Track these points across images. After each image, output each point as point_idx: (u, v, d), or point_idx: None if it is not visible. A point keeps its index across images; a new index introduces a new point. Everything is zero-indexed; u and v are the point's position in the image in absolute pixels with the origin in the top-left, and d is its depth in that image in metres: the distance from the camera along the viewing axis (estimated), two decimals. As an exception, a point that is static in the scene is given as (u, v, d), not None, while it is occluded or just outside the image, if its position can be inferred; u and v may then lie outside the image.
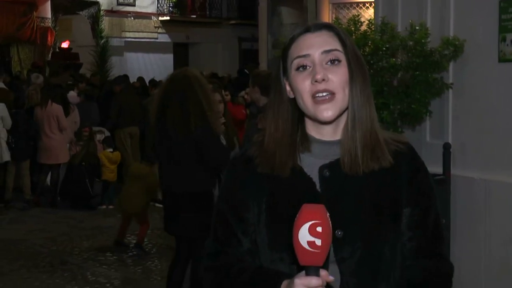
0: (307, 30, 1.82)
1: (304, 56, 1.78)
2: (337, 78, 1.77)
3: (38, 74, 13.59)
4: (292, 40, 1.83)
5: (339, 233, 1.76)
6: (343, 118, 1.83)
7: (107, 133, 11.02)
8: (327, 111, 1.77)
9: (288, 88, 1.84)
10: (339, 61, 1.79)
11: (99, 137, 10.77)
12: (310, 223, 1.57)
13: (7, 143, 9.68)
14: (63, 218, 9.46)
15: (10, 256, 7.49)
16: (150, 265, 7.23)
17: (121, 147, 11.03)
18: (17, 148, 9.81)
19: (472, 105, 5.19)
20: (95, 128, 10.97)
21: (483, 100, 5.12)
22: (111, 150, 10.31)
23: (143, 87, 14.16)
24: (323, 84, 1.76)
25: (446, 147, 5.19)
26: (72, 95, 11.16)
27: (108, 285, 6.59)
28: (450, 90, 5.26)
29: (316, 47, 1.78)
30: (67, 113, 10.31)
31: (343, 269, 1.78)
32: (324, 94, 1.76)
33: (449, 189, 5.18)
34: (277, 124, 1.84)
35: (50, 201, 10.16)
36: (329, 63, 1.78)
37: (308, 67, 1.78)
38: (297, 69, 1.79)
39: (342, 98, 1.78)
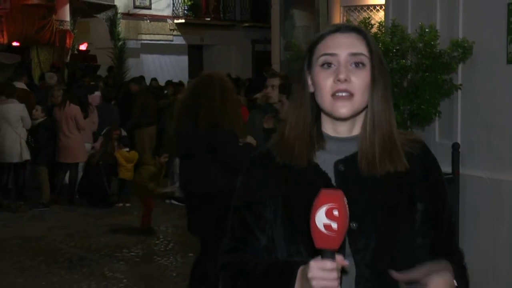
0: (337, 29, 1.83)
1: (331, 54, 1.79)
2: (359, 81, 1.78)
3: (52, 74, 13.65)
4: (322, 37, 1.84)
5: (354, 225, 1.76)
6: (359, 118, 1.84)
7: (124, 133, 11.06)
8: (343, 108, 1.78)
9: (309, 82, 1.85)
10: (363, 64, 1.79)
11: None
12: (327, 206, 1.56)
13: (27, 142, 9.75)
14: (81, 215, 9.51)
15: (30, 252, 7.54)
16: (166, 261, 7.25)
17: (141, 147, 11.08)
18: (36, 151, 9.91)
19: (481, 106, 5.17)
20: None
21: (491, 101, 5.10)
22: (127, 149, 10.35)
23: (158, 88, 14.21)
24: (344, 84, 1.77)
25: (455, 147, 5.17)
26: (97, 95, 11.19)
27: (125, 280, 6.61)
28: (459, 91, 5.24)
29: (343, 47, 1.79)
30: (85, 114, 10.36)
31: (358, 260, 1.78)
32: (344, 94, 1.77)
33: (458, 188, 5.16)
34: (299, 116, 1.85)
35: (68, 199, 10.21)
36: (353, 65, 1.79)
37: (333, 66, 1.79)
38: (322, 65, 1.80)
39: (360, 100, 1.79)
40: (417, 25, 5.26)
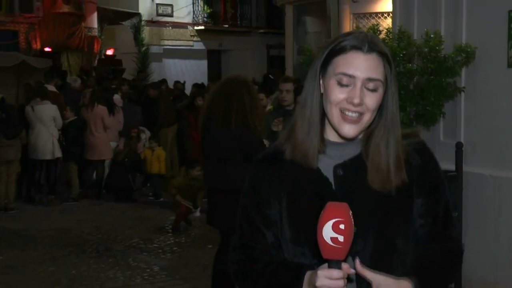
0: (360, 48, 1.72)
1: (349, 76, 1.71)
2: (371, 103, 1.72)
3: (76, 78, 13.72)
4: (343, 50, 1.73)
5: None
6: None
7: (148, 132, 11.11)
8: (351, 131, 1.74)
9: (321, 82, 1.78)
10: (377, 89, 1.73)
11: (142, 135, 10.86)
12: (334, 220, 1.54)
13: (58, 141, 9.81)
14: (108, 209, 9.54)
15: (61, 243, 7.58)
16: (186, 252, 7.26)
17: (165, 144, 11.13)
18: (67, 149, 9.99)
19: (483, 107, 5.14)
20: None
21: (493, 102, 5.07)
22: (157, 145, 10.44)
23: (181, 90, 14.23)
24: (357, 108, 1.72)
25: (459, 146, 5.14)
26: (117, 98, 11.26)
27: (148, 270, 6.62)
28: (462, 94, 5.22)
29: (362, 71, 1.71)
30: (112, 113, 10.40)
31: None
32: (355, 114, 1.73)
33: (461, 185, 5.13)
34: (311, 115, 1.79)
35: (96, 194, 10.27)
36: (367, 89, 1.72)
37: (349, 86, 1.72)
38: (338, 82, 1.73)
39: (368, 119, 1.74)
40: (422, 31, 5.25)
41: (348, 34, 1.78)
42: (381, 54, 1.74)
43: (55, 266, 6.71)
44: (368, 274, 1.65)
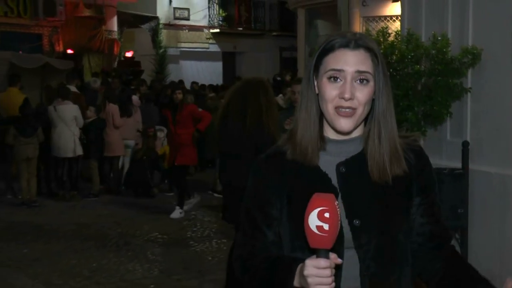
0: (347, 45, 1.74)
1: (338, 70, 1.73)
2: (362, 97, 1.73)
3: (96, 79, 13.77)
4: (331, 49, 1.76)
5: (356, 222, 1.74)
6: (359, 122, 1.80)
7: (166, 131, 11.14)
8: (346, 124, 1.74)
9: (315, 84, 1.80)
10: (367, 81, 1.74)
11: (160, 134, 10.90)
12: (319, 209, 1.54)
13: (79, 139, 9.87)
14: (127, 205, 9.58)
15: (82, 237, 7.63)
16: (202, 246, 7.28)
17: None
18: (88, 147, 10.06)
19: (489, 107, 5.11)
20: (156, 127, 11.10)
21: (498, 102, 5.04)
22: None
23: (198, 90, 14.27)
24: (348, 102, 1.72)
25: (465, 144, 5.12)
26: (135, 98, 11.30)
27: (165, 263, 6.65)
28: (469, 94, 5.19)
29: (351, 65, 1.72)
30: (129, 113, 10.43)
31: (361, 254, 1.74)
32: (347, 109, 1.73)
33: (467, 182, 5.11)
34: (308, 115, 1.80)
35: (115, 189, 10.32)
36: (358, 81, 1.73)
37: (339, 80, 1.73)
38: (329, 78, 1.75)
39: (361, 112, 1.75)
40: (430, 34, 5.22)
41: (337, 34, 1.79)
42: (368, 49, 1.76)
43: (76, 258, 6.76)
44: None
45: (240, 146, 4.81)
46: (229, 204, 5.04)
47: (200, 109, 9.47)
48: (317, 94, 1.79)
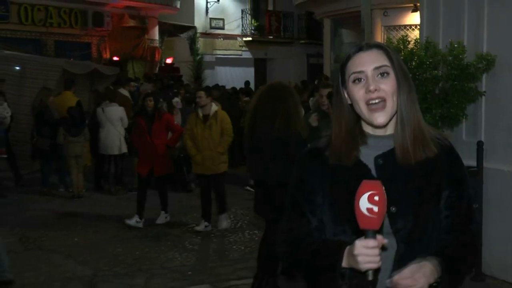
0: (360, 49, 1.80)
1: (359, 72, 1.77)
2: (387, 87, 1.76)
3: (146, 84, 13.91)
4: (349, 58, 1.81)
5: (393, 209, 1.75)
6: (392, 120, 1.82)
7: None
8: (381, 118, 1.77)
9: (346, 95, 1.83)
10: (387, 73, 1.77)
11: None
12: (369, 193, 1.58)
13: (124, 138, 9.98)
14: (167, 198, 9.63)
15: (126, 228, 7.68)
16: (235, 237, 7.30)
17: None
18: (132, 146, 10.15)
19: (502, 110, 5.05)
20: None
21: (511, 104, 4.97)
22: None
23: (233, 94, 14.31)
24: (375, 93, 1.75)
25: (480, 144, 5.06)
26: (176, 101, 11.35)
27: (201, 252, 6.69)
28: (483, 97, 5.13)
29: (368, 64, 1.77)
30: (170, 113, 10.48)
31: (398, 238, 1.77)
32: (377, 101, 1.76)
33: (482, 180, 5.05)
34: (341, 124, 1.83)
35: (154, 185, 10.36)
36: (379, 76, 1.77)
37: (362, 80, 1.77)
38: (354, 81, 1.78)
39: (392, 104, 1.77)
40: (447, 41, 5.18)
41: (352, 47, 1.86)
42: (379, 47, 1.81)
43: (121, 247, 6.83)
44: (400, 277, 1.67)
45: (270, 147, 4.82)
46: (260, 198, 5.04)
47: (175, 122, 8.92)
48: (351, 105, 1.82)
